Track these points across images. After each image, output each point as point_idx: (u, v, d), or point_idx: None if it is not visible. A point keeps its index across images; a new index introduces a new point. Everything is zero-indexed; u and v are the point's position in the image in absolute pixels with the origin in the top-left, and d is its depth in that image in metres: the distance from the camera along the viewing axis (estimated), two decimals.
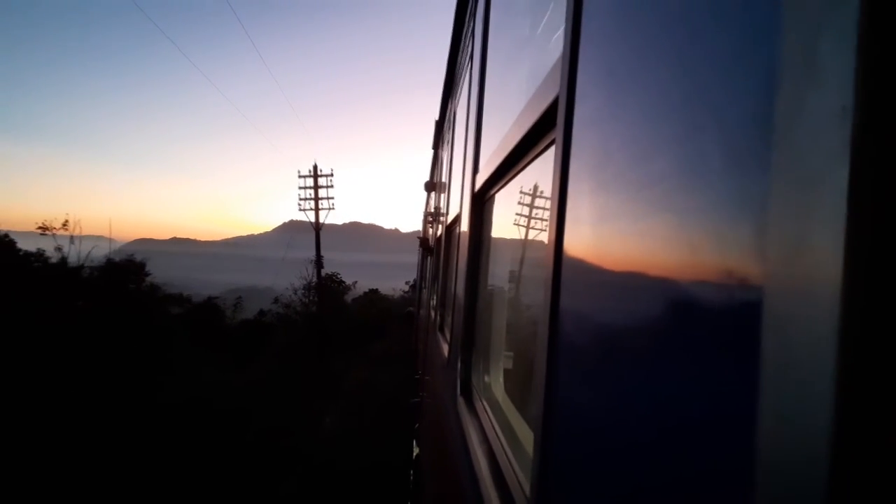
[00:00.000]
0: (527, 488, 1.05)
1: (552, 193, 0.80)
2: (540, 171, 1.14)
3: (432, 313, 5.54)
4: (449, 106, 5.24)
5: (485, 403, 1.85)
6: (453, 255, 3.34)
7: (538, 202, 1.47)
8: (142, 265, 21.44)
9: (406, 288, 33.12)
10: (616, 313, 0.57)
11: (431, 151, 8.89)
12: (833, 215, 0.26)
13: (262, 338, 25.29)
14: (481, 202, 2.10)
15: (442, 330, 3.94)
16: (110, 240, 21.99)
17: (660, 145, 0.47)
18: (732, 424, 0.32)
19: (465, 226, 2.45)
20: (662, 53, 0.48)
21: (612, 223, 0.58)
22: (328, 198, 27.36)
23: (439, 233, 5.46)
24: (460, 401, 2.06)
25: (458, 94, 4.02)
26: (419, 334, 8.52)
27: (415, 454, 5.73)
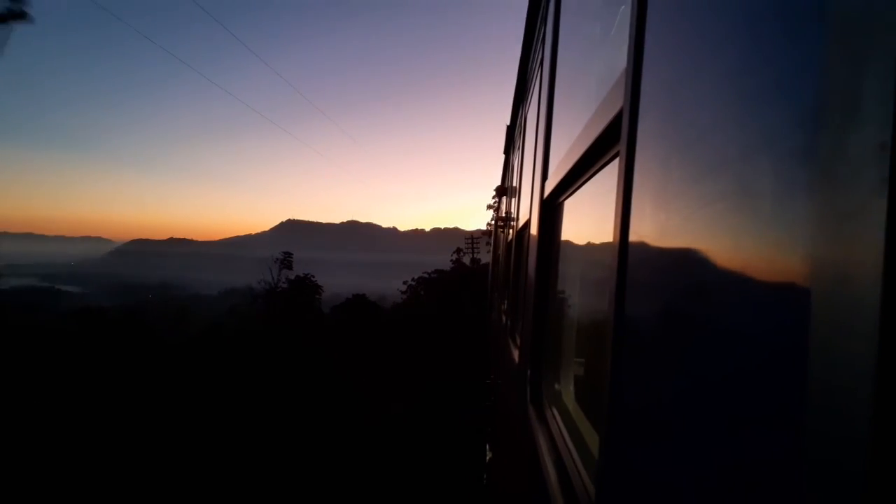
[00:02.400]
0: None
1: (616, 206, 0.81)
2: (606, 182, 1.14)
3: (503, 318, 5.55)
4: (520, 111, 5.24)
5: (554, 411, 1.85)
6: (523, 260, 3.35)
7: (606, 213, 1.46)
8: None
9: (404, 288, 28.38)
10: (675, 322, 0.57)
11: (502, 156, 8.89)
12: (871, 245, 0.27)
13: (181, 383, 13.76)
14: (551, 208, 2.09)
15: (513, 335, 3.94)
16: None
17: (715, 167, 0.48)
18: (790, 426, 0.33)
19: (534, 231, 2.45)
20: (719, 78, 0.49)
21: (672, 239, 0.58)
22: None
23: (510, 238, 5.46)
24: (530, 408, 2.06)
25: (528, 101, 4.01)
26: (491, 339, 8.53)
27: (487, 458, 5.75)
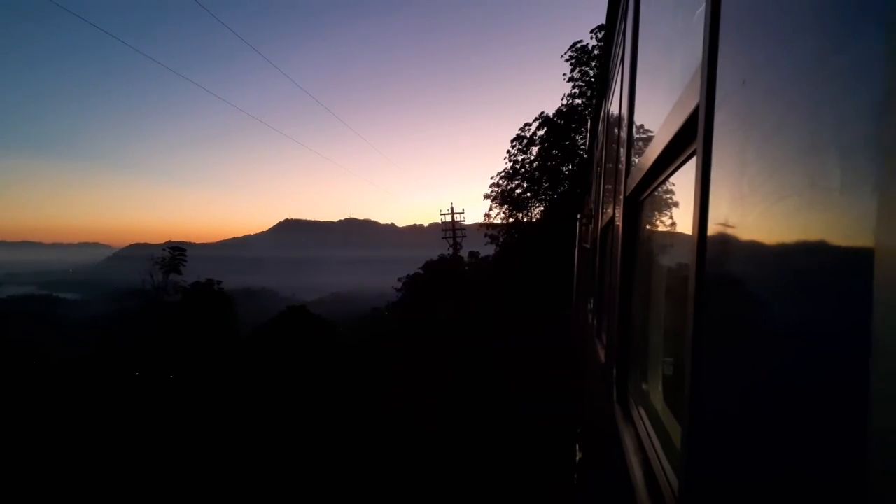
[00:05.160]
0: None
1: (694, 203, 0.81)
2: (686, 178, 1.12)
3: (589, 317, 5.45)
4: (602, 106, 5.12)
5: (641, 412, 1.81)
6: (607, 258, 3.28)
7: (687, 209, 1.42)
8: None
9: (399, 286, 26.43)
10: (755, 318, 0.57)
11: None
12: None
13: None
14: (633, 205, 2.05)
15: (599, 335, 3.87)
16: None
17: (788, 160, 0.48)
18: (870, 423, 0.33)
19: (618, 228, 2.40)
20: (789, 73, 0.49)
21: (750, 237, 0.58)
22: None
23: (596, 235, 5.34)
24: (616, 408, 2.03)
25: (610, 96, 3.93)
26: (577, 338, 8.37)
27: (577, 458, 5.66)
